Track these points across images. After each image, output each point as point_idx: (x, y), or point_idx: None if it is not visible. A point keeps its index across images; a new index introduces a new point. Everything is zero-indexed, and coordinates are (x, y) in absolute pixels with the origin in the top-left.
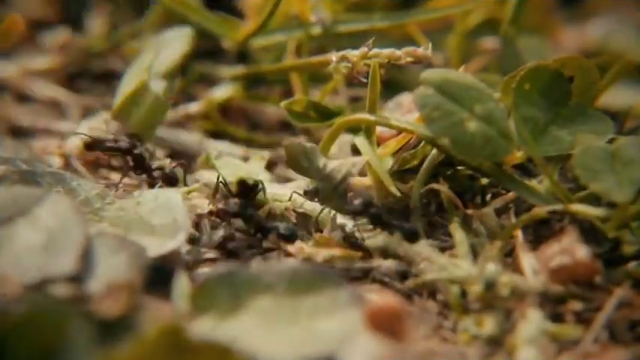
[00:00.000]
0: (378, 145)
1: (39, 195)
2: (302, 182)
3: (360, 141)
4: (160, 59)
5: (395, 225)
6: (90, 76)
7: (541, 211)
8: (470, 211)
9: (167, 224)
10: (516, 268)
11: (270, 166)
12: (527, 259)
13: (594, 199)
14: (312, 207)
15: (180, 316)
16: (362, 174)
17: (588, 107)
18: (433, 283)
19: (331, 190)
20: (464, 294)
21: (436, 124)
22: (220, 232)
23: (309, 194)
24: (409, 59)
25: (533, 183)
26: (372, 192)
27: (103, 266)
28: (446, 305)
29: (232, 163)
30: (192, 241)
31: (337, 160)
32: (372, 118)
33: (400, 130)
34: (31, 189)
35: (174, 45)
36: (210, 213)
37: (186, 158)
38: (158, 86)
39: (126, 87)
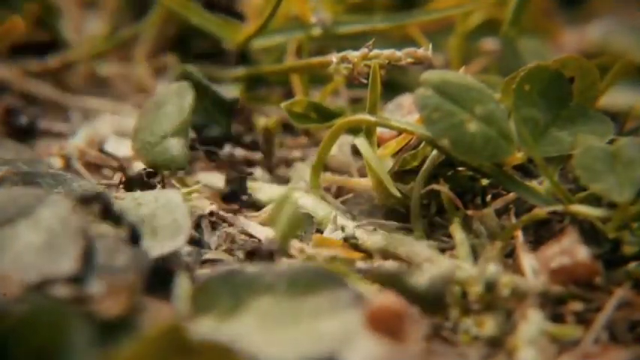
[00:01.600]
0: (379, 146)
1: (40, 196)
2: (302, 183)
3: (361, 142)
4: None
5: None
6: (90, 77)
7: (541, 211)
8: (470, 212)
9: (168, 225)
10: (517, 269)
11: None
12: (527, 260)
13: (595, 200)
14: (314, 207)
15: (181, 317)
16: (362, 175)
17: (589, 108)
18: None
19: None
20: (464, 294)
21: (436, 125)
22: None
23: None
24: (409, 60)
25: (533, 184)
26: (373, 193)
27: (104, 267)
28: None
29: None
30: (193, 242)
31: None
32: (372, 119)
33: (400, 131)
34: (32, 190)
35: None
36: (211, 214)
37: None
38: None
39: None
